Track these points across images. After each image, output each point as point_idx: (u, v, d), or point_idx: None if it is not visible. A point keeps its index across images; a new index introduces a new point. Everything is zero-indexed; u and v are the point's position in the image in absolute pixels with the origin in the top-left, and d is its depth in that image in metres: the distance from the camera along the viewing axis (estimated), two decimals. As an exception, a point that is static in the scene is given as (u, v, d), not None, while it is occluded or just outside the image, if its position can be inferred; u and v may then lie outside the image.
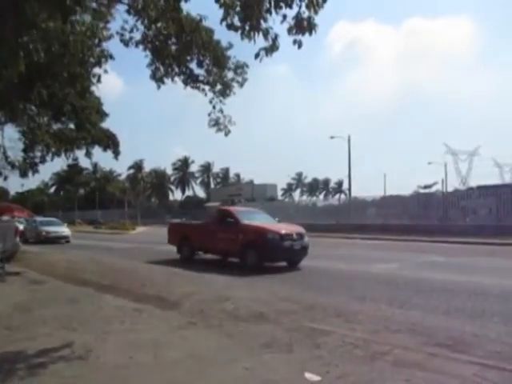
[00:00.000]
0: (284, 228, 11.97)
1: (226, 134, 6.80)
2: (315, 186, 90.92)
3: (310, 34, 4.21)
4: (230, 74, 6.89)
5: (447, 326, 5.67)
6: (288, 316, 6.13)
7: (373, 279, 9.76)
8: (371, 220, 28.68)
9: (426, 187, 48.59)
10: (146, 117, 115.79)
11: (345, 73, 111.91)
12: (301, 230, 12.10)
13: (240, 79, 6.93)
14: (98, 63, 6.12)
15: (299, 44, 4.27)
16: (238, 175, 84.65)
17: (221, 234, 12.31)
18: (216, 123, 6.78)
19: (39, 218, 26.54)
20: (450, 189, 44.98)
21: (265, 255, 11.26)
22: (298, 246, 11.51)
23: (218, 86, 6.82)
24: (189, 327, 5.68)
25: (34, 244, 21.72)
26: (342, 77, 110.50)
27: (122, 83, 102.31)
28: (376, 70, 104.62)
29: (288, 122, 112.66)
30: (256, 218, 12.72)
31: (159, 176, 80.00)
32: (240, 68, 6.86)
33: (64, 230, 24.69)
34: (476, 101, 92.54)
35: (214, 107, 6.75)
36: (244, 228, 11.77)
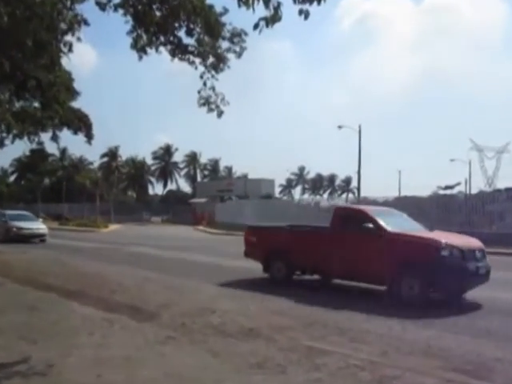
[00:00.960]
0: (458, 240, 9.26)
1: (219, 115, 6.76)
2: (319, 183, 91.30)
3: (319, 3, 4.16)
4: (224, 44, 6.83)
5: (466, 348, 5.70)
6: (283, 332, 6.13)
7: (382, 292, 9.78)
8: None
9: (446, 188, 48.79)
10: (124, 96, 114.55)
11: (355, 53, 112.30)
12: (479, 243, 9.48)
13: (237, 49, 6.85)
14: (70, 29, 6.04)
15: (306, 14, 4.21)
16: (229, 168, 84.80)
17: (350, 246, 9.61)
18: (206, 102, 6.73)
19: (9, 212, 26.12)
20: (474, 190, 45.44)
21: (436, 282, 8.59)
22: (483, 270, 8.94)
23: (211, 59, 6.76)
24: (168, 342, 5.67)
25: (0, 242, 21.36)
26: (352, 58, 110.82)
27: (96, 56, 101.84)
28: (391, 51, 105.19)
29: (290, 109, 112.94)
30: (399, 223, 9.87)
31: (137, 166, 79.73)
32: (237, 36, 6.78)
33: (39, 226, 24.03)
34: (506, 89, 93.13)
35: (204, 84, 6.70)
36: (395, 239, 9.02)
